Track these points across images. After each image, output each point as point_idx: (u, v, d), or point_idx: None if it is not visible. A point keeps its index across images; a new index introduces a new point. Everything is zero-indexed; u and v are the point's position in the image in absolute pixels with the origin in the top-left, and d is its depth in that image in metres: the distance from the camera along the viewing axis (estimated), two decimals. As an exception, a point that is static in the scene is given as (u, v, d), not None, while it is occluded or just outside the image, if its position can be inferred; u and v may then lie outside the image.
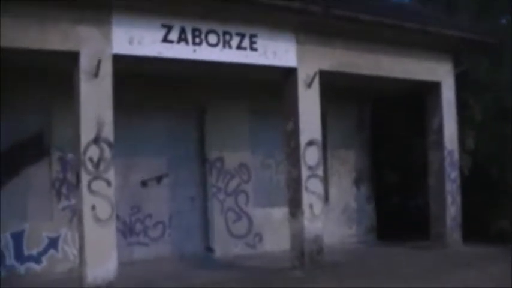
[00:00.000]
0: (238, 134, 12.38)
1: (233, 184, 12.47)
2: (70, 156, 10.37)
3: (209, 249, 12.10)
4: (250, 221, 12.58)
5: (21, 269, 10.40)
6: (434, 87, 12.60)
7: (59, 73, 8.98)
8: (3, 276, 10.11)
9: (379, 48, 11.31)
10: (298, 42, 10.40)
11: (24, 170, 10.58)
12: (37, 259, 10.55)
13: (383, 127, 14.63)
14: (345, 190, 14.13)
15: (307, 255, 10.17)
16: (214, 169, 12.24)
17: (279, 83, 10.69)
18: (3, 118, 10.05)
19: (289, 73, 10.47)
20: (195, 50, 9.35)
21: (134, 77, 9.86)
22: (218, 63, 9.74)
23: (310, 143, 10.43)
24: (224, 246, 12.14)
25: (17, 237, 10.40)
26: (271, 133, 12.49)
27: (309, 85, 10.40)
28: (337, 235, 13.15)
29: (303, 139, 10.36)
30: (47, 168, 10.72)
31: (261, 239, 12.62)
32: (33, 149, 10.63)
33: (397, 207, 15.27)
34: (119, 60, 8.69)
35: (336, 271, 9.88)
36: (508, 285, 6.48)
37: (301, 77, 10.40)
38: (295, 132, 10.42)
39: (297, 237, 10.32)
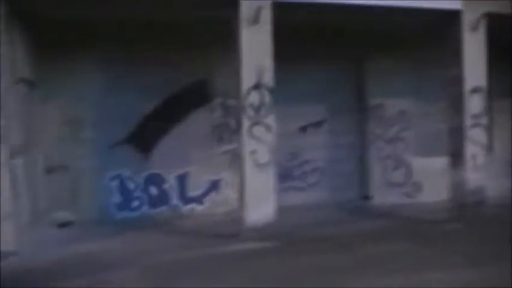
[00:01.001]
0: (398, 81, 12.01)
1: (392, 132, 12.24)
2: (231, 102, 10.72)
3: (366, 197, 12.05)
4: (408, 169, 12.33)
5: (185, 209, 11.13)
6: None
7: (220, 23, 9.19)
8: (168, 216, 10.87)
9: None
10: (462, -18, 9.81)
11: (188, 116, 11.15)
12: (199, 200, 11.22)
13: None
14: (510, 142, 13.33)
15: (467, 207, 9.83)
16: (373, 116, 12.06)
17: (441, 27, 10.20)
18: (171, 68, 10.63)
19: (453, 16, 9.92)
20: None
21: (294, 26, 9.85)
22: (379, 8, 9.43)
23: (475, 90, 9.92)
24: (381, 195, 12.02)
25: (181, 180, 11.11)
26: (433, 80, 11.98)
27: (475, 28, 9.84)
28: (501, 188, 12.50)
29: (467, 86, 9.88)
30: (209, 114, 11.22)
31: (419, 189, 12.32)
32: (197, 96, 11.14)
33: None
34: (278, 7, 8.73)
35: (495, 224, 9.39)
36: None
37: (466, 20, 9.85)
38: (458, 79, 9.96)
39: (458, 188, 9.98)
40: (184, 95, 11.05)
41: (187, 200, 11.13)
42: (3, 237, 7.96)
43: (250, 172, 8.67)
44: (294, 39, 10.19)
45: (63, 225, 10.28)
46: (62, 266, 7.60)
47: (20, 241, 8.24)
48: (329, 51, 11.46)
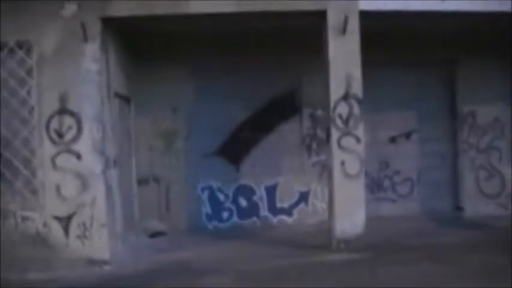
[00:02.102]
0: (492, 87, 11.52)
1: (485, 140, 11.77)
2: (320, 112, 10.75)
3: (458, 208, 11.69)
4: (503, 180, 11.83)
5: (274, 220, 11.18)
6: None
7: (308, 33, 9.21)
8: (258, 226, 10.97)
9: None
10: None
11: (277, 126, 11.21)
12: (288, 211, 11.23)
13: None
14: None
15: None
16: (466, 124, 11.67)
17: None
18: (260, 78, 10.77)
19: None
20: (443, 1, 8.94)
21: (381, 33, 9.72)
22: (467, 14, 9.17)
23: None
24: (474, 206, 11.58)
25: (271, 191, 11.16)
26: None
27: None
28: None
29: None
30: (298, 125, 11.22)
31: (514, 200, 11.84)
32: (286, 106, 11.18)
33: None
34: (365, 16, 8.66)
35: None
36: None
37: None
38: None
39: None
40: (274, 106, 11.11)
41: (276, 211, 11.16)
42: (98, 245, 8.25)
43: (339, 183, 8.60)
44: (381, 46, 10.07)
45: (155, 235, 10.54)
46: (156, 273, 7.85)
47: (113, 250, 8.52)
48: (417, 58, 11.25)
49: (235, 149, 11.05)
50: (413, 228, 10.25)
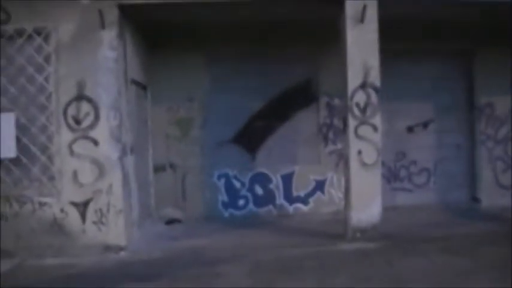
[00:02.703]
0: (509, 78, 11.46)
1: (503, 131, 11.67)
2: (337, 101, 10.73)
3: (475, 199, 11.62)
4: (519, 171, 11.77)
5: (290, 208, 11.19)
6: None
7: (325, 22, 9.16)
8: (274, 215, 10.99)
9: None
10: None
11: (293, 115, 11.20)
12: (304, 200, 11.22)
13: None
14: None
15: None
16: (483, 115, 11.58)
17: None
18: (276, 67, 10.73)
19: None
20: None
21: (400, 22, 9.65)
22: (486, 2, 9.04)
23: None
24: (491, 197, 11.51)
25: (287, 179, 11.16)
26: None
27: None
28: None
29: None
30: (315, 114, 11.19)
31: (531, 192, 11.74)
32: (302, 95, 11.15)
33: None
34: (383, 4, 8.58)
35: None
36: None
37: None
38: None
39: None
40: (291, 95, 11.10)
41: (292, 200, 11.16)
42: (115, 232, 8.31)
43: (356, 172, 8.58)
44: (399, 36, 10.00)
45: (171, 222, 10.59)
46: (172, 259, 7.89)
47: (129, 236, 8.59)
48: (436, 48, 11.18)
49: (251, 137, 11.07)
50: (429, 219, 10.22)
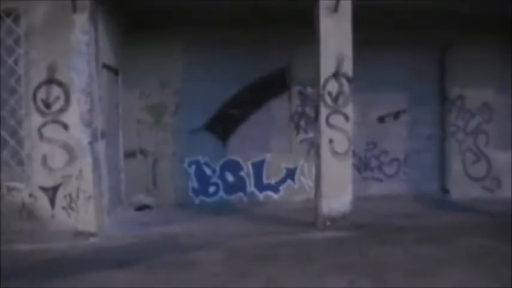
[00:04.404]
0: (482, 71, 11.53)
1: (473, 124, 11.82)
2: (309, 90, 10.75)
3: (444, 190, 11.76)
4: (489, 163, 11.88)
5: (260, 196, 11.22)
6: None
7: (299, 12, 9.15)
8: (244, 202, 11.05)
9: None
10: None
11: (267, 103, 11.20)
12: (275, 188, 11.26)
13: None
14: None
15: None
16: (454, 107, 11.69)
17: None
18: (251, 55, 10.75)
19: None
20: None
21: (374, 11, 9.67)
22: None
23: None
24: (460, 188, 11.66)
25: (258, 167, 11.18)
26: (519, 70, 11.56)
27: None
28: None
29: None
30: (287, 102, 11.19)
31: (499, 184, 11.86)
32: (276, 84, 11.15)
33: None
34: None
35: None
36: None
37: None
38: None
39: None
40: (263, 83, 11.09)
41: (263, 187, 11.19)
42: (85, 217, 8.24)
43: (327, 161, 8.61)
44: (373, 25, 10.02)
45: (142, 208, 10.55)
46: (144, 246, 7.86)
47: (100, 222, 8.52)
48: (410, 38, 11.21)
49: (223, 124, 11.04)
50: (400, 209, 10.32)
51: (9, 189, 8.21)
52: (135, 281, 6.19)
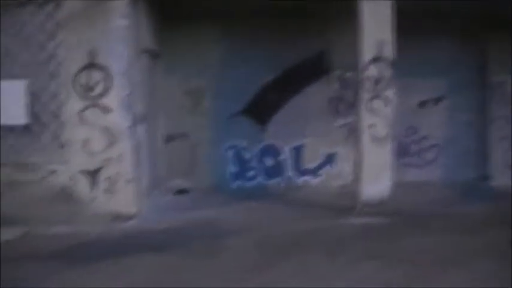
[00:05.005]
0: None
1: (515, 111, 11.57)
2: (349, 75, 10.63)
3: (484, 178, 11.55)
4: (530, 151, 11.65)
5: (299, 181, 11.21)
6: None
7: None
8: (282, 187, 10.99)
9: None
10: None
11: (305, 88, 11.15)
12: (314, 173, 11.25)
13: None
14: None
15: None
16: (496, 94, 11.47)
17: None
18: (289, 40, 10.66)
19: None
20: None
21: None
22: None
23: None
24: (500, 176, 11.41)
25: (296, 152, 11.17)
26: None
27: None
28: None
29: None
30: (327, 87, 11.13)
31: (540, 172, 11.62)
32: (314, 68, 11.09)
33: None
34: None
35: None
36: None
37: None
38: None
39: None
40: (303, 67, 11.03)
41: (301, 172, 11.20)
42: (124, 201, 8.31)
43: (367, 146, 8.55)
44: (414, 11, 9.85)
45: (180, 192, 10.61)
46: (181, 230, 7.89)
47: (139, 206, 8.56)
48: (452, 24, 11.01)
49: (261, 109, 11.05)
50: (438, 196, 10.18)
51: (50, 172, 8.32)
52: (169, 266, 6.19)
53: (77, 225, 7.99)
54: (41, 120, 8.39)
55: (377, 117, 8.49)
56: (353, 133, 9.53)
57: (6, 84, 8.15)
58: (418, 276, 5.69)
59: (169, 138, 10.86)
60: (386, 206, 8.56)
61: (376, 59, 8.45)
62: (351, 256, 6.44)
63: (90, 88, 8.22)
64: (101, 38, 8.20)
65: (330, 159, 11.18)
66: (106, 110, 8.21)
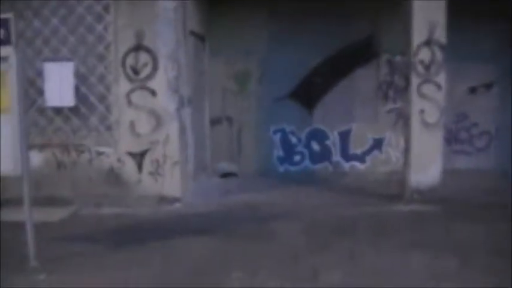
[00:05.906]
0: None
1: None
2: (398, 58, 10.41)
3: (536, 166, 11.17)
4: None
5: (346, 166, 11.10)
6: None
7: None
8: (329, 172, 10.93)
9: None
10: None
11: (353, 72, 10.98)
12: (361, 158, 11.13)
13: None
14: None
15: None
16: (549, 80, 11.07)
17: None
18: (337, 23, 10.46)
19: None
20: None
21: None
22: None
23: None
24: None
25: (344, 136, 11.03)
26: None
27: None
28: None
29: None
30: (375, 71, 10.95)
31: None
32: (363, 52, 10.89)
33: None
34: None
35: None
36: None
37: None
38: None
39: None
40: (351, 51, 10.85)
41: (349, 157, 11.08)
42: (170, 183, 8.32)
43: (417, 132, 8.34)
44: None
45: (226, 175, 10.60)
46: (227, 214, 7.91)
47: (185, 188, 8.58)
48: (503, 9, 10.63)
49: (308, 93, 10.94)
50: (487, 185, 9.79)
51: (98, 153, 8.39)
52: (214, 249, 6.18)
53: (124, 207, 8.07)
54: (89, 102, 8.44)
55: (428, 103, 8.27)
56: (401, 118, 9.33)
57: (54, 66, 8.19)
58: (466, 265, 5.53)
59: (216, 121, 10.86)
60: (436, 193, 8.35)
61: (427, 42, 8.22)
62: (399, 243, 6.31)
63: (137, 70, 8.23)
64: (148, 20, 8.20)
65: (377, 144, 11.02)
66: (153, 92, 8.22)
